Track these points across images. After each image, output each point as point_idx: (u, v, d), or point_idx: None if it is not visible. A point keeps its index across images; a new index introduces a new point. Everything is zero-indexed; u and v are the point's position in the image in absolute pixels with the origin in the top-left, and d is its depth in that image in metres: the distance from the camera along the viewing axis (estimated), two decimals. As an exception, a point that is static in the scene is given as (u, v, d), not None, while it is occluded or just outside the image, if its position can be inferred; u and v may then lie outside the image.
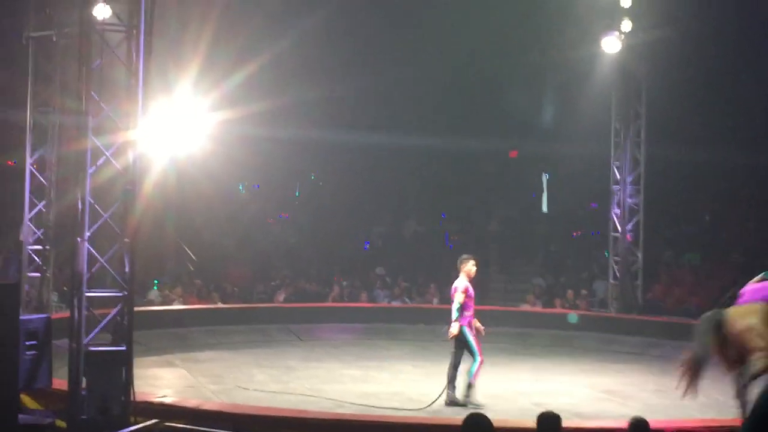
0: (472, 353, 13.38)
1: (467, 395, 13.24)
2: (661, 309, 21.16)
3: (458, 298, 13.34)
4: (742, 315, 10.39)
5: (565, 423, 8.65)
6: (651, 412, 11.66)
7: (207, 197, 24.22)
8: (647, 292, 21.66)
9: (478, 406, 12.97)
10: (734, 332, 10.34)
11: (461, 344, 13.42)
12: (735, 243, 24.29)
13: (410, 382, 15.05)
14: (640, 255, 20.74)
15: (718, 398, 14.35)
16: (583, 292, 22.31)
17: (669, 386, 15.05)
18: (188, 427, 9.68)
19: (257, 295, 22.90)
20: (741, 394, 10.30)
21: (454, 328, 13.31)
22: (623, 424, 9.71)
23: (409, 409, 12.67)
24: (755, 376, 9.97)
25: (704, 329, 10.75)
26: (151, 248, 19.72)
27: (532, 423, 9.15)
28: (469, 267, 13.64)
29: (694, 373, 10.82)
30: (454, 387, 13.33)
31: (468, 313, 13.42)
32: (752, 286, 10.77)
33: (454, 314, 13.34)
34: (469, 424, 8.01)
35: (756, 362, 10.07)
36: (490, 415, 8.16)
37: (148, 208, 10.06)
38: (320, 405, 12.67)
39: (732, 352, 10.46)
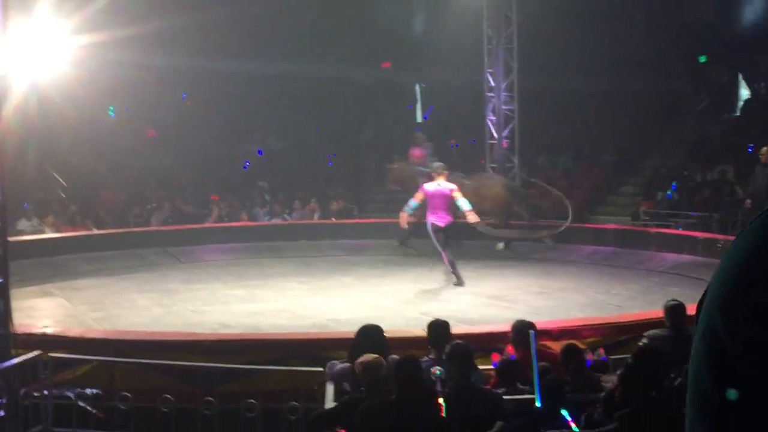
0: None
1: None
2: (538, 212, 21.49)
3: (460, 196, 15.60)
4: None
5: (454, 329, 8.76)
6: (535, 314, 11.82)
7: (73, 123, 23.48)
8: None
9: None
10: None
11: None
12: (607, 143, 24.78)
13: (295, 299, 14.99)
14: (516, 160, 20.97)
15: (597, 296, 14.80)
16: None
17: (552, 287, 15.52)
18: (72, 356, 9.43)
19: (133, 219, 22.45)
20: None
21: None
22: (508, 327, 9.92)
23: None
24: None
25: None
26: (14, 177, 19.10)
27: (421, 332, 9.23)
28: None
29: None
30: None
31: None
32: None
33: (467, 206, 15.63)
34: (362, 335, 8.02)
35: None
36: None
37: (8, 135, 9.58)
38: (206, 326, 12.51)
39: None
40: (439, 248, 15.46)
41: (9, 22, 9.46)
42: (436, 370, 7.18)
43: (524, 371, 7.44)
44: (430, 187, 15.62)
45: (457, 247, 16.04)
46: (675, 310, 8.32)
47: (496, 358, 7.91)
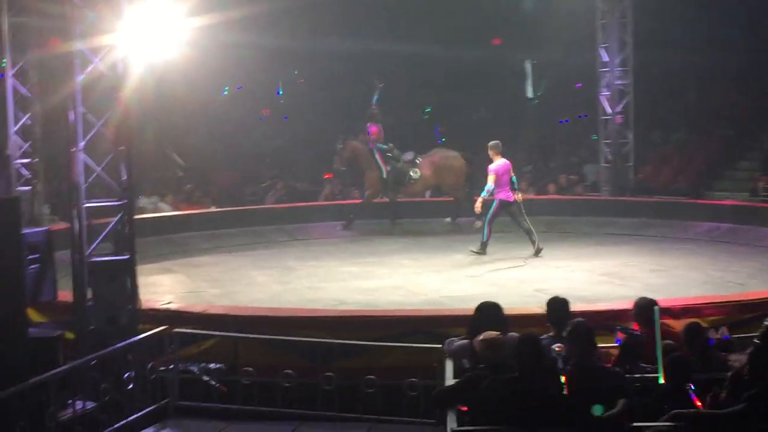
0: None
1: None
2: (651, 189, 21.19)
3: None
4: None
5: (572, 307, 8.69)
6: (652, 291, 11.57)
7: (188, 103, 23.95)
8: (638, 174, 21.68)
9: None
10: None
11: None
12: (722, 118, 24.22)
13: (410, 276, 15.06)
14: (630, 136, 20.69)
15: (715, 274, 14.52)
16: (571, 177, 22.30)
17: (666, 265, 15.29)
18: (196, 331, 9.66)
19: (248, 197, 22.82)
20: None
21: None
22: (625, 305, 9.83)
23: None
24: None
25: None
26: (134, 156, 19.56)
27: (538, 309, 9.22)
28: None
29: None
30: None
31: None
32: None
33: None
34: (481, 312, 8.05)
35: None
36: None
37: (128, 116, 9.83)
38: (323, 303, 12.69)
39: None
40: (518, 223, 16.44)
41: (126, 6, 9.64)
42: (558, 347, 7.18)
43: (647, 349, 7.37)
44: (499, 166, 16.30)
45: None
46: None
47: (621, 336, 7.84)
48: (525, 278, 14.50)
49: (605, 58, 20.54)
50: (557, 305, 8.25)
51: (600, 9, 20.48)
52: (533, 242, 16.26)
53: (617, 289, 13.39)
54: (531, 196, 21.37)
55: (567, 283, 13.75)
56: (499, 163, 16.33)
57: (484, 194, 16.21)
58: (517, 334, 7.15)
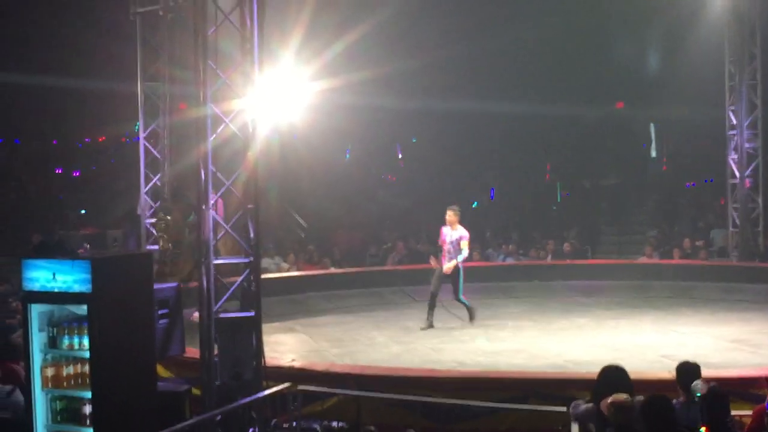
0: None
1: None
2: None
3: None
4: None
5: (703, 373, 8.46)
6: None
7: (311, 164, 24.33)
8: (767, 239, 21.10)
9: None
10: None
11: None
12: None
13: (531, 339, 14.91)
14: (760, 200, 20.21)
15: None
16: (697, 243, 21.84)
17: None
18: (319, 389, 9.71)
19: (369, 259, 22.95)
20: None
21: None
22: (760, 372, 9.53)
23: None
24: None
25: None
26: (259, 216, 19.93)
27: (665, 374, 9.00)
28: (447, 216, 16.05)
29: None
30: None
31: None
32: None
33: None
34: (606, 376, 7.89)
35: None
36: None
37: (255, 176, 10.03)
38: (443, 364, 12.63)
39: None
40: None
41: (254, 73, 9.87)
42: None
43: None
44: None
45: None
46: None
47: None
48: (650, 344, 14.19)
49: (734, 120, 20.18)
50: (687, 370, 8.03)
51: (728, 70, 20.17)
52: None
53: (748, 357, 12.99)
54: (656, 260, 21.03)
55: (695, 350, 13.37)
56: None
57: (460, 259, 15.77)
58: (644, 397, 6.98)
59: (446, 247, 15.88)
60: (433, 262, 16.26)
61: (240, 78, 9.97)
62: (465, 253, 15.89)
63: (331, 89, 20.64)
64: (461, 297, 15.91)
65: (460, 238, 15.78)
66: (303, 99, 19.45)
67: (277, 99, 18.00)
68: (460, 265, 15.79)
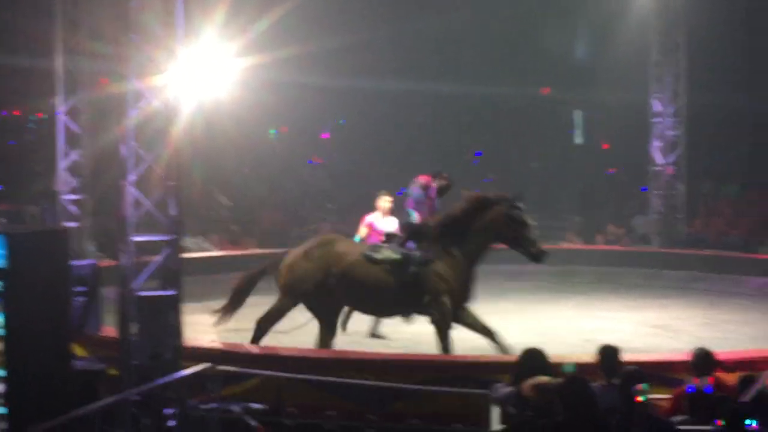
0: None
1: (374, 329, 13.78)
2: (703, 242, 20.90)
3: (360, 232, 13.76)
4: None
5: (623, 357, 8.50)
6: (702, 345, 11.38)
7: (235, 143, 24.05)
8: (689, 226, 21.41)
9: (383, 339, 13.54)
10: None
11: None
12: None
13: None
14: (681, 187, 20.48)
15: (767, 329, 14.24)
16: (620, 230, 22.07)
17: (717, 319, 15.02)
18: (240, 369, 9.57)
19: (293, 240, 22.77)
20: None
21: None
22: (678, 357, 9.64)
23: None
24: None
25: None
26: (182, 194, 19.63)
27: (586, 357, 9.04)
28: (382, 202, 13.89)
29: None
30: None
31: None
32: None
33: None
34: (526, 359, 7.89)
35: None
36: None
37: (178, 154, 9.83)
38: (367, 347, 12.63)
39: None
40: None
41: (178, 47, 9.67)
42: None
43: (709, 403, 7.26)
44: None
45: None
46: None
47: (696, 381, 7.69)
48: (572, 328, 14.31)
49: (658, 108, 20.39)
50: (608, 353, 8.08)
51: (653, 59, 20.37)
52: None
53: (668, 342, 13.21)
54: (579, 246, 21.21)
55: (616, 335, 13.44)
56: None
57: None
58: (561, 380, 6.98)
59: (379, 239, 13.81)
60: None
61: (163, 53, 9.73)
62: None
63: (257, 66, 20.38)
64: None
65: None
66: (228, 75, 19.19)
67: (201, 75, 17.72)
68: None
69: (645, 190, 21.75)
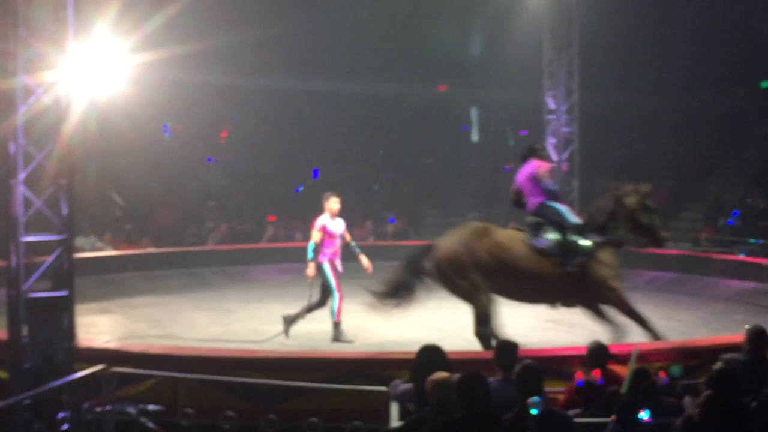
0: (330, 290, 13.33)
1: (336, 335, 13.32)
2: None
3: (314, 237, 13.34)
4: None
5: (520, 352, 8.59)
6: (597, 338, 11.57)
7: (130, 141, 23.68)
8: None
9: (349, 342, 13.20)
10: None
11: (321, 283, 13.37)
12: (666, 167, 24.47)
13: (352, 319, 14.70)
14: (576, 184, 20.77)
15: (660, 323, 14.47)
16: (513, 225, 22.27)
17: (613, 312, 15.22)
18: (135, 371, 9.40)
19: (189, 239, 22.54)
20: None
21: (310, 270, 13.21)
22: (574, 351, 9.78)
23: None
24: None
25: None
26: (74, 193, 19.26)
27: (484, 353, 9.13)
28: (331, 204, 13.58)
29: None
30: (290, 325, 13.42)
31: (329, 250, 13.43)
32: None
33: (309, 254, 13.26)
34: (424, 356, 7.90)
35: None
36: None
37: (70, 152, 9.62)
38: (265, 345, 12.49)
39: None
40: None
41: (69, 42, 9.47)
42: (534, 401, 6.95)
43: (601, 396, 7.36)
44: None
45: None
46: (758, 334, 8.16)
47: (581, 376, 7.79)
48: (469, 323, 14.33)
49: (552, 105, 20.65)
50: (505, 348, 8.12)
51: (547, 56, 20.61)
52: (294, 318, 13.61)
53: (563, 336, 13.37)
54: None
55: (513, 330, 13.57)
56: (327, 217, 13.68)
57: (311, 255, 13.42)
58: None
59: (335, 241, 13.61)
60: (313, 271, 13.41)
61: (53, 48, 9.53)
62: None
63: (152, 63, 20.07)
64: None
65: (345, 230, 13.84)
66: (122, 72, 18.87)
67: (94, 71, 17.37)
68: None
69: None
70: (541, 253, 11.61)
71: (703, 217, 22.39)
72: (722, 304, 15.90)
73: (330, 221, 13.51)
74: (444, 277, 11.83)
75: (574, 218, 11.95)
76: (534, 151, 12.25)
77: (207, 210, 24.19)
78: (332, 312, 13.37)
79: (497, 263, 11.57)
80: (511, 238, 11.86)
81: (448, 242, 11.81)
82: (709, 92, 24.91)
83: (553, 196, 12.10)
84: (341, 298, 13.35)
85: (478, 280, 11.63)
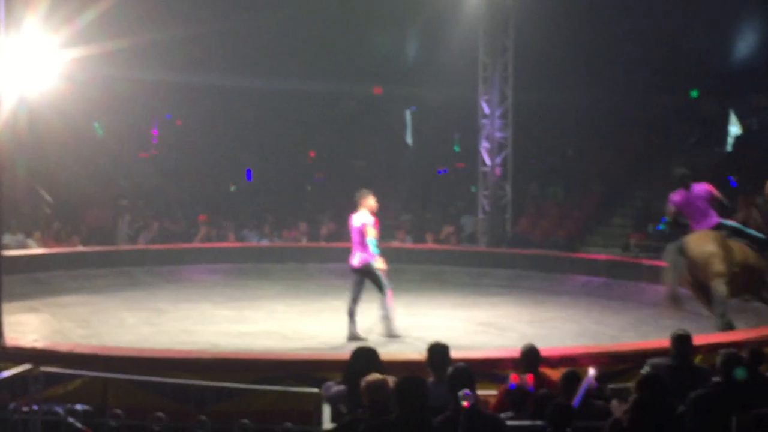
0: (381, 287, 13.31)
1: (387, 330, 13.28)
2: (528, 242, 21.44)
3: (371, 234, 13.21)
4: (698, 242, 12.68)
5: (452, 354, 8.62)
6: (528, 342, 11.67)
7: (61, 138, 23.35)
8: (515, 226, 21.93)
9: (399, 337, 13.18)
10: (696, 258, 12.63)
11: (372, 279, 13.31)
12: (596, 173, 24.76)
13: (285, 321, 14.90)
14: (508, 188, 20.94)
15: (590, 326, 14.70)
16: (448, 227, 22.41)
17: (542, 316, 15.42)
18: (63, 370, 9.25)
19: (119, 238, 22.27)
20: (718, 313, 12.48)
21: (382, 263, 13.26)
22: (505, 354, 9.85)
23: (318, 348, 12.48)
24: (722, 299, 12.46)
25: (671, 260, 13.08)
26: (2, 191, 18.93)
27: (416, 355, 9.13)
28: (371, 201, 13.49)
29: (676, 304, 13.27)
30: (354, 322, 13.29)
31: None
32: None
33: (376, 250, 13.25)
34: (357, 358, 7.90)
35: (718, 287, 12.47)
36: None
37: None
38: (196, 345, 12.41)
39: (695, 277, 12.85)
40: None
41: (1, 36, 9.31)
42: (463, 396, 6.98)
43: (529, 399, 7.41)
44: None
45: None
46: (682, 339, 8.29)
47: (516, 379, 7.84)
48: (403, 326, 14.37)
49: (486, 110, 20.77)
50: (438, 350, 8.14)
51: (482, 61, 20.73)
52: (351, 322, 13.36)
53: (494, 339, 13.45)
54: (408, 245, 21.45)
55: (445, 332, 13.63)
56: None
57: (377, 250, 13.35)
58: (394, 378, 7.00)
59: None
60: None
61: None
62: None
63: (84, 58, 19.79)
64: None
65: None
66: (53, 68, 18.58)
67: (24, 67, 17.09)
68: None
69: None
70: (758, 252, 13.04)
71: (633, 223, 22.67)
72: (651, 309, 16.08)
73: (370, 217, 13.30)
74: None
75: (751, 231, 13.18)
76: (689, 176, 13.30)
77: (138, 209, 23.92)
78: (386, 308, 13.29)
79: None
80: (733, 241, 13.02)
81: (702, 243, 12.80)
82: (640, 98, 25.25)
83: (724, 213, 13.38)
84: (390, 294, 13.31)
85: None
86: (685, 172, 13.48)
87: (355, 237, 13.35)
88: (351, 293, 13.35)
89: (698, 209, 13.06)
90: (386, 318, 13.33)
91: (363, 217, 13.29)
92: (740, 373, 7.24)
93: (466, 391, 6.43)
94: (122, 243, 21.76)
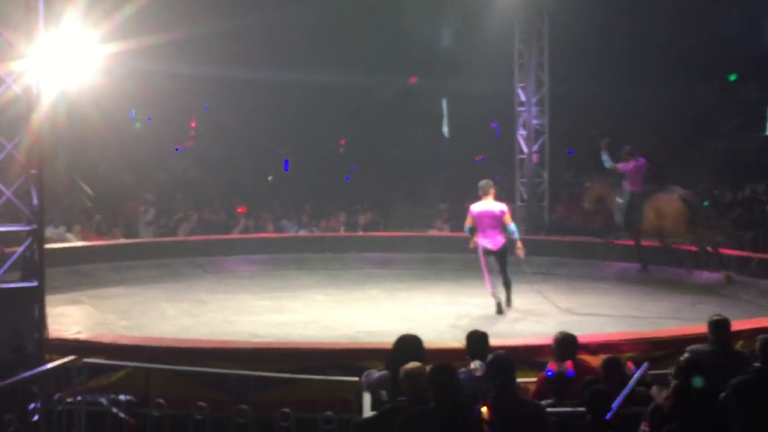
0: (507, 268, 14.57)
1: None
2: (565, 228, 21.35)
3: (510, 219, 14.33)
4: None
5: (491, 342, 8.63)
6: (565, 329, 11.63)
7: (100, 132, 23.55)
8: (552, 213, 21.85)
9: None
10: None
11: (503, 260, 14.50)
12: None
13: (323, 310, 14.96)
14: (546, 175, 20.87)
15: (628, 313, 14.64)
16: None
17: (580, 304, 15.37)
18: (106, 361, 9.37)
19: (160, 229, 22.45)
20: None
21: (521, 248, 14.36)
22: (544, 341, 9.83)
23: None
24: None
25: None
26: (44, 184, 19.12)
27: (457, 344, 9.15)
28: (493, 190, 14.52)
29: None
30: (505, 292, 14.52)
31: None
32: None
33: (517, 234, 14.45)
34: (401, 345, 7.93)
35: None
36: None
37: (39, 142, 9.56)
38: (236, 335, 12.49)
39: None
40: (485, 271, 14.53)
41: (39, 31, 9.40)
42: (476, 366, 7.07)
43: (574, 386, 7.39)
44: (475, 207, 14.57)
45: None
46: (720, 324, 8.24)
47: (554, 366, 7.84)
48: (441, 314, 14.45)
49: (522, 97, 20.71)
50: (476, 339, 8.17)
51: (517, 49, 20.67)
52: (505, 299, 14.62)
53: (533, 326, 13.41)
54: (447, 233, 21.46)
55: (484, 320, 13.74)
56: (481, 204, 14.52)
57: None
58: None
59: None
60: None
61: (23, 37, 9.46)
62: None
63: (123, 53, 19.90)
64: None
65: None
66: (92, 62, 18.72)
67: (64, 61, 17.24)
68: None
69: (497, 178, 22.08)
70: None
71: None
72: (690, 295, 16.02)
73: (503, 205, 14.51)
74: None
75: None
76: None
77: (177, 200, 24.09)
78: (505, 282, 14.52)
79: None
80: None
81: None
82: (678, 85, 25.04)
83: None
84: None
85: None
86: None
87: (488, 222, 14.34)
88: (493, 273, 14.43)
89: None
90: (503, 291, 14.46)
91: (498, 205, 14.36)
92: None
93: (480, 362, 6.48)
94: (144, 235, 21.83)
